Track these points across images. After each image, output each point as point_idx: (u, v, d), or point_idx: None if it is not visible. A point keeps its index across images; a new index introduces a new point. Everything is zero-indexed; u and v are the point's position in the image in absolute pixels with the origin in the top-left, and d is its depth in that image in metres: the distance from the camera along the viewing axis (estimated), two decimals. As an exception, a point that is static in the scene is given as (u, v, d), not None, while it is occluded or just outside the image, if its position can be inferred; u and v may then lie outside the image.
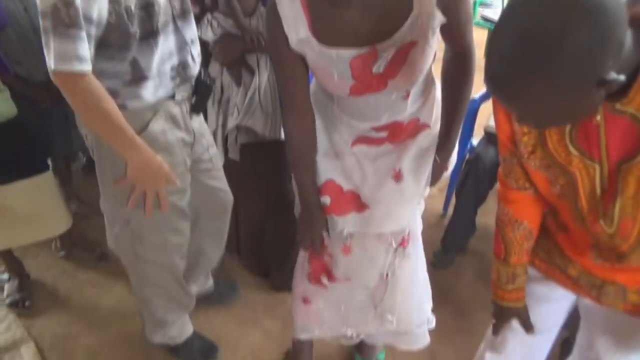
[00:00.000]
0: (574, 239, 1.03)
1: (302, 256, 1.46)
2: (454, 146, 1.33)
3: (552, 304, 1.20)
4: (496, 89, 0.76)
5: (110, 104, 1.21)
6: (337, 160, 1.28)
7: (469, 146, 2.40)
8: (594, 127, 0.82)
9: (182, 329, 1.79)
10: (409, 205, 1.32)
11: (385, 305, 1.45)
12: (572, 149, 0.86)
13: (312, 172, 1.27)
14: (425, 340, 1.60)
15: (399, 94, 1.15)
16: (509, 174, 1.06)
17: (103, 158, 1.39)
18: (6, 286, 2.07)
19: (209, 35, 1.76)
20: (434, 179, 1.33)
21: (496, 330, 1.22)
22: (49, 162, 2.61)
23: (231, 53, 1.76)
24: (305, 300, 1.49)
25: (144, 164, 1.32)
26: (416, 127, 1.25)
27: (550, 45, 0.66)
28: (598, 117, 0.81)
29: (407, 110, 1.20)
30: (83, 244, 2.34)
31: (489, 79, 0.75)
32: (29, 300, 2.04)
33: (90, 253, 2.31)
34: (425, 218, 1.50)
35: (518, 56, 0.69)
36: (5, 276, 2.11)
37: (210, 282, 2.03)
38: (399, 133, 1.24)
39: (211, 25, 1.76)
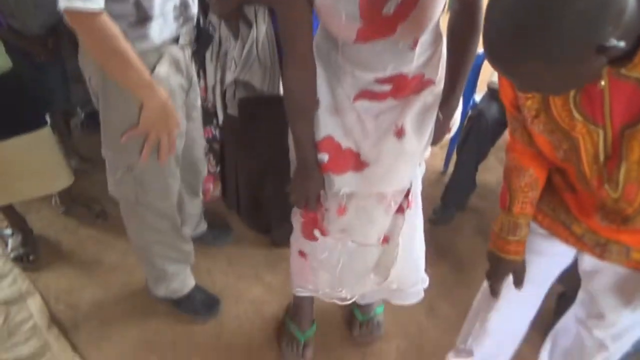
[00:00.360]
0: (581, 200, 1.03)
1: (296, 211, 1.45)
2: (457, 102, 1.30)
3: (550, 259, 1.21)
4: (494, 61, 0.75)
5: (126, 43, 1.20)
6: (338, 116, 1.24)
7: (471, 102, 2.37)
8: (598, 92, 0.82)
9: (183, 282, 1.82)
10: (410, 164, 1.30)
11: (384, 267, 1.47)
12: (576, 114, 0.86)
13: (310, 127, 1.24)
14: (419, 296, 1.63)
15: (406, 42, 1.11)
16: (515, 132, 1.06)
17: (110, 103, 1.38)
18: (10, 241, 2.10)
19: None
20: (436, 137, 1.30)
21: (494, 290, 1.23)
22: (47, 117, 2.61)
23: (228, 5, 1.71)
24: (302, 254, 1.50)
25: (160, 106, 1.33)
26: (421, 83, 1.22)
27: (547, 13, 0.65)
28: (602, 82, 0.80)
29: (414, 63, 1.16)
30: (83, 201, 2.35)
31: (487, 50, 0.74)
32: (33, 254, 2.07)
33: (90, 210, 2.32)
34: (425, 175, 1.50)
35: (514, 26, 0.68)
36: (9, 231, 2.13)
37: (204, 225, 2.10)
38: (403, 87, 1.21)
39: None
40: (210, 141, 2.11)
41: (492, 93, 2.12)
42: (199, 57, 1.53)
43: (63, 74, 2.19)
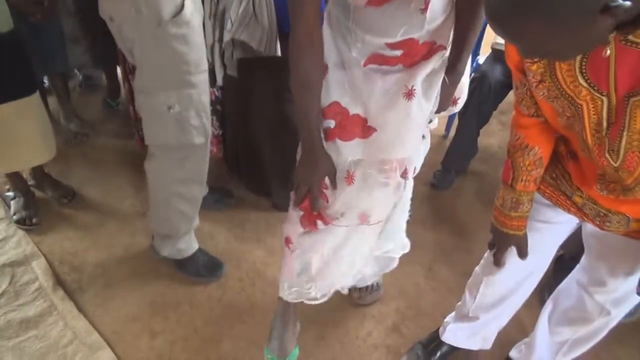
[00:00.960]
0: (582, 169, 1.03)
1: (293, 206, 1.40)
2: (464, 68, 1.27)
3: (554, 227, 1.22)
4: (496, 26, 0.73)
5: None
6: (346, 74, 1.19)
7: (474, 64, 2.34)
8: (604, 59, 0.80)
9: (189, 243, 1.86)
10: (415, 132, 1.28)
11: (384, 238, 1.49)
12: (580, 80, 0.84)
13: (317, 102, 1.19)
14: (394, 263, 1.70)
15: (418, 4, 1.07)
16: (521, 101, 1.04)
17: (147, 46, 1.43)
18: (12, 203, 2.11)
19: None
20: (442, 104, 1.28)
21: (497, 260, 1.24)
22: (45, 80, 2.59)
23: None
24: (288, 241, 1.45)
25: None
26: (432, 49, 1.19)
27: None
28: (609, 49, 0.78)
29: (424, 28, 1.12)
30: (53, 181, 2.24)
31: (488, 17, 0.72)
32: (35, 217, 2.07)
33: (57, 188, 2.21)
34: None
35: None
36: (11, 194, 2.13)
37: (205, 189, 2.07)
38: (413, 53, 1.17)
39: None
40: (213, 103, 2.08)
41: (496, 54, 2.09)
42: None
43: (60, 35, 2.15)
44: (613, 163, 0.89)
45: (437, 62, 1.19)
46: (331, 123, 1.23)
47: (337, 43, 1.19)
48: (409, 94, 1.18)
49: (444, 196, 2.28)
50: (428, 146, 1.44)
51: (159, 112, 1.55)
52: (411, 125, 1.23)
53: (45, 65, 2.25)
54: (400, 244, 1.65)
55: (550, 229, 1.22)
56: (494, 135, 2.62)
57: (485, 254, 1.39)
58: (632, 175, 0.89)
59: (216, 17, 1.78)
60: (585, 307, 1.28)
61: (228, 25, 1.74)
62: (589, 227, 1.15)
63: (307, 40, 1.11)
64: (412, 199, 1.57)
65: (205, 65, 1.56)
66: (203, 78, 1.57)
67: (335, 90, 1.20)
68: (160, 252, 1.86)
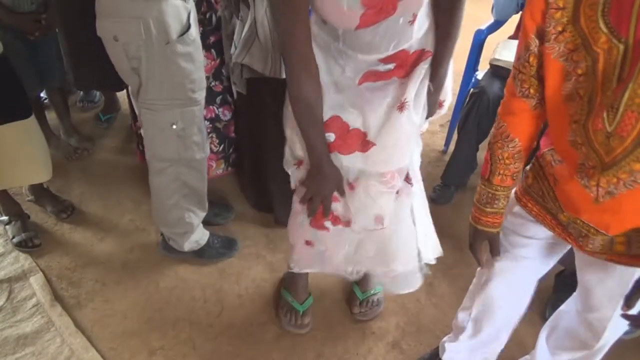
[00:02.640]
0: (564, 167, 1.01)
1: (297, 202, 1.44)
2: (445, 72, 1.29)
3: (545, 242, 1.21)
4: None
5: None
6: (340, 92, 1.22)
7: (473, 80, 2.35)
8: (628, 1, 0.79)
9: (202, 231, 1.97)
10: (411, 138, 1.30)
11: (387, 252, 1.47)
12: (601, 24, 0.83)
13: (321, 123, 1.21)
14: (417, 284, 1.63)
15: (406, 18, 1.09)
16: (517, 75, 1.03)
17: (154, 64, 1.48)
18: (8, 228, 2.06)
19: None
20: (430, 109, 1.32)
21: (477, 259, 1.25)
22: (44, 95, 2.59)
23: None
24: (308, 243, 1.50)
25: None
26: (421, 55, 1.21)
27: None
28: None
29: (413, 37, 1.15)
30: (51, 195, 2.23)
31: None
32: (36, 238, 2.03)
33: (55, 204, 2.20)
34: (426, 154, 1.49)
35: None
36: (5, 219, 2.09)
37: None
38: (405, 64, 1.19)
39: None
40: (212, 120, 2.10)
41: (495, 70, 2.10)
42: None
43: (58, 51, 2.16)
44: (608, 126, 0.87)
45: (423, 68, 1.21)
46: (331, 136, 1.24)
47: (329, 64, 1.20)
48: (402, 107, 1.20)
49: (444, 211, 2.28)
50: (421, 146, 1.45)
51: (162, 128, 1.60)
52: (406, 136, 1.25)
53: (43, 80, 2.26)
54: (432, 249, 1.60)
55: (541, 244, 1.22)
56: (493, 150, 2.62)
57: (477, 270, 1.39)
58: (623, 143, 0.87)
59: (229, 37, 1.80)
60: (579, 331, 1.28)
61: (232, 49, 1.76)
62: (579, 254, 1.15)
63: (303, 66, 1.12)
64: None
65: (205, 83, 1.61)
66: (204, 95, 1.63)
67: (335, 106, 1.22)
68: (183, 248, 1.94)
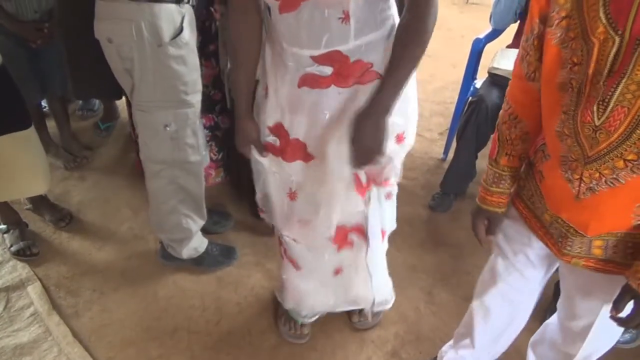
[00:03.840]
0: (550, 161, 1.02)
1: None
2: (389, 101, 1.11)
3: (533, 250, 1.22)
4: None
5: None
6: (283, 98, 1.25)
7: (472, 88, 2.36)
8: None
9: (200, 239, 1.96)
10: (342, 194, 1.32)
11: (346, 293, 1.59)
12: (601, 14, 0.84)
13: (250, 76, 1.28)
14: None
15: (334, 12, 1.07)
16: (525, 56, 1.03)
17: (147, 66, 1.49)
18: (6, 237, 2.06)
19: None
20: (359, 156, 1.16)
21: (479, 239, 1.25)
22: (44, 103, 2.60)
23: None
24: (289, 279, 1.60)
25: None
26: (368, 73, 1.17)
27: None
28: None
29: (351, 41, 1.12)
30: (50, 204, 2.22)
31: None
32: (34, 247, 2.03)
33: (54, 212, 2.20)
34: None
35: None
36: (4, 227, 2.08)
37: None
38: (344, 72, 1.16)
39: None
40: (212, 128, 2.10)
41: (493, 79, 2.11)
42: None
43: (60, 59, 2.17)
44: (596, 120, 0.87)
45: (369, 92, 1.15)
46: (277, 141, 1.30)
47: (276, 68, 1.24)
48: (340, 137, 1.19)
49: (443, 219, 2.28)
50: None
51: (155, 129, 1.62)
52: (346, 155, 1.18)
53: (44, 88, 2.26)
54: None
55: (539, 247, 1.22)
56: (492, 158, 2.62)
57: (479, 279, 1.39)
58: (609, 138, 0.87)
59: (224, 45, 1.81)
60: (559, 341, 1.28)
61: (227, 57, 1.77)
62: (560, 262, 1.15)
63: (242, 17, 1.20)
64: (410, 222, 1.57)
65: (200, 86, 1.62)
66: (199, 98, 1.64)
67: (278, 112, 1.27)
68: (182, 255, 1.93)
